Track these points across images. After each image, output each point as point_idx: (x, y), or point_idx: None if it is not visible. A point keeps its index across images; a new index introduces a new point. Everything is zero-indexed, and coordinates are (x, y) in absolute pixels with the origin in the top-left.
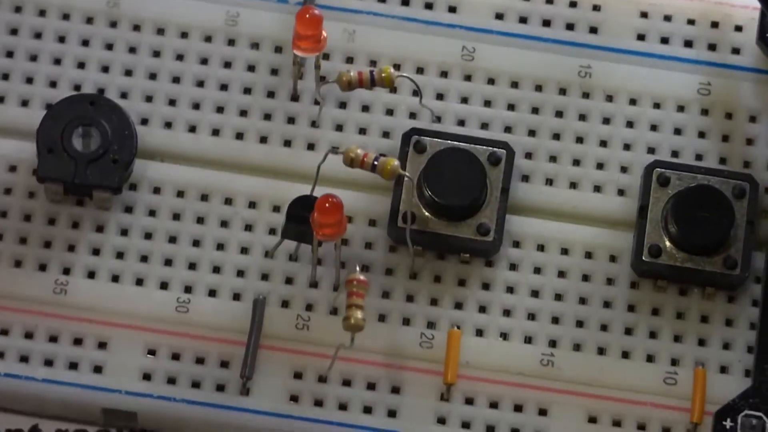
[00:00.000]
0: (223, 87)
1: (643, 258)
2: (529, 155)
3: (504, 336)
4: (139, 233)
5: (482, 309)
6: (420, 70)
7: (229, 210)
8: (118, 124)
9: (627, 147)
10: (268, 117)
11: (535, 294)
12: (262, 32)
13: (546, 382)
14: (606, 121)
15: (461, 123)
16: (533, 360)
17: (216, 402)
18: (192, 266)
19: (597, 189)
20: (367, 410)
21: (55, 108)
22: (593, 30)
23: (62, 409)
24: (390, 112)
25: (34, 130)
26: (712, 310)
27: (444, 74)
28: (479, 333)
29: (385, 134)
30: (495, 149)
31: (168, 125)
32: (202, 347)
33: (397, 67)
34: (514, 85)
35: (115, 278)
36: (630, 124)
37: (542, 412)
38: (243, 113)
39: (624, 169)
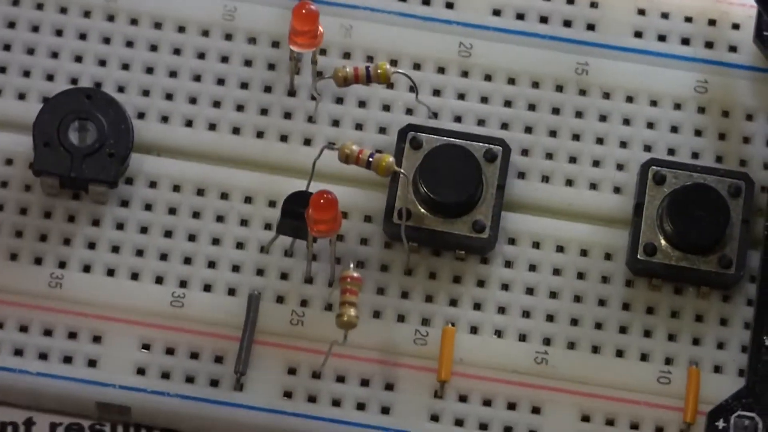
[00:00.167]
0: (220, 81)
1: (638, 256)
2: (525, 152)
3: (498, 333)
4: (134, 227)
5: (477, 306)
6: (417, 66)
7: (225, 205)
8: (115, 118)
9: (623, 144)
10: (264, 112)
11: (529, 291)
12: (259, 27)
13: (540, 380)
14: (603, 118)
15: (458, 119)
16: (527, 358)
17: (210, 397)
18: (187, 261)
19: (593, 186)
20: (361, 407)
21: (52, 102)
22: (590, 27)
23: (56, 402)
24: (387, 107)
25: (30, 124)
26: (707, 310)
27: (441, 70)
28: (474, 330)
29: (382, 130)
30: (491, 146)
31: (165, 119)
32: (197, 342)
33: (393, 62)
34: (511, 81)
35: (111, 272)
36: (627, 122)
37: (536, 410)
38: (240, 108)
39: (620, 167)
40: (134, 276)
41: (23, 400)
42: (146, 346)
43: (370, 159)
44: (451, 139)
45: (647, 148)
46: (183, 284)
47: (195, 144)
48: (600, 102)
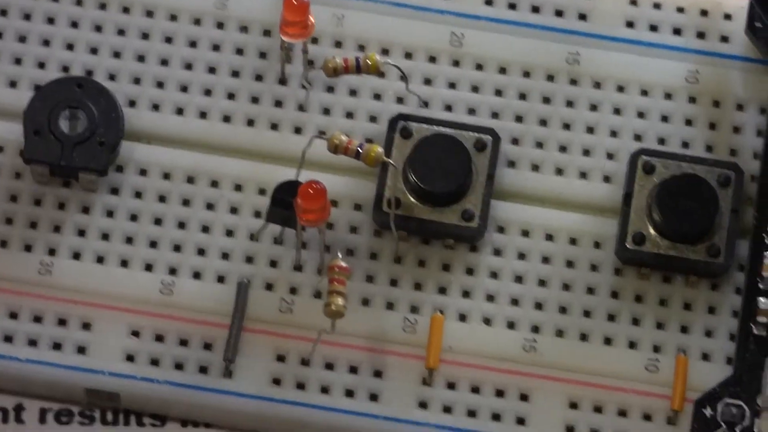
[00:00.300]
0: (212, 70)
1: (627, 245)
2: (515, 141)
3: (487, 321)
4: (124, 215)
5: (466, 294)
6: (408, 56)
7: (215, 193)
8: (105, 107)
9: (614, 134)
10: (255, 100)
11: (518, 280)
12: (251, 16)
13: (528, 368)
14: (593, 108)
15: (448, 108)
16: (516, 345)
17: (199, 384)
18: (177, 248)
19: (583, 176)
20: (350, 394)
21: (42, 90)
22: (582, 17)
23: (46, 389)
24: (377, 97)
25: (21, 112)
26: (695, 298)
27: (432, 60)
28: (462, 318)
29: (373, 119)
30: (481, 135)
31: (156, 108)
32: (186, 329)
33: (385, 52)
34: (502, 71)
35: (100, 260)
36: (617, 112)
37: (524, 398)
38: (231, 96)
39: (610, 156)
40: (124, 263)
41: (13, 386)
42: (135, 333)
43: (359, 149)
44: (442, 128)
45: (637, 138)
46: (172, 272)
47: (186, 132)
48: (591, 92)
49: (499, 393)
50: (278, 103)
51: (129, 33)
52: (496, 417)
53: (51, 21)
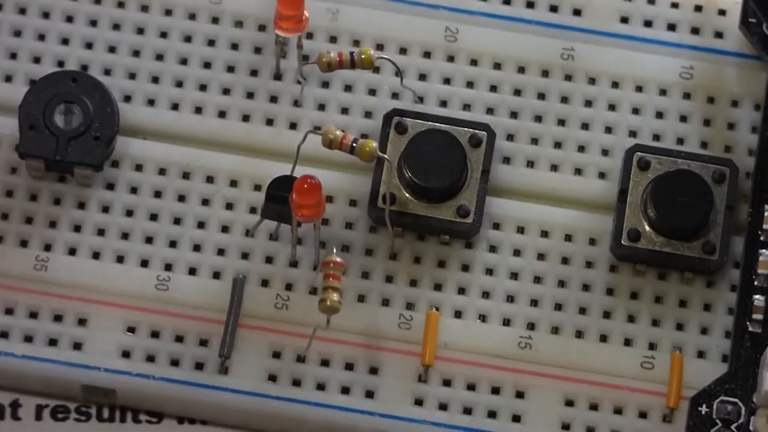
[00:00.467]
0: (207, 65)
1: (622, 242)
2: (510, 137)
3: (482, 318)
4: (120, 210)
5: (461, 291)
6: (403, 51)
7: (210, 188)
8: (100, 101)
9: (608, 130)
10: (250, 96)
11: (514, 276)
12: (246, 11)
13: (523, 365)
14: (588, 103)
15: (443, 104)
16: (511, 342)
17: (194, 380)
18: (172, 244)
19: (578, 172)
20: (345, 391)
21: (37, 85)
22: (577, 12)
23: (42, 385)
24: (372, 92)
25: (16, 106)
26: (691, 295)
27: (427, 55)
28: (458, 315)
29: (367, 114)
30: (476, 131)
31: (151, 102)
32: (182, 325)
33: (380, 47)
34: (497, 66)
35: (96, 255)
36: (612, 107)
37: (519, 395)
38: (226, 91)
39: (605, 153)
40: (119, 259)
41: (9, 382)
42: (131, 329)
43: (354, 144)
44: (436, 123)
45: (632, 134)
46: (168, 267)
47: (181, 127)
48: (585, 87)
49: (495, 390)
50: (273, 99)
51: (124, 28)
52: (491, 414)
53: (46, 15)
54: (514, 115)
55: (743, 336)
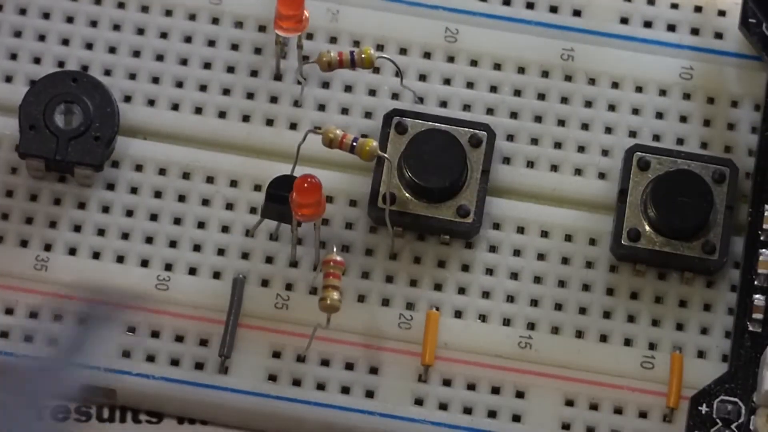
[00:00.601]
0: (207, 65)
1: (622, 242)
2: (510, 137)
3: (482, 318)
4: (120, 210)
5: (461, 291)
6: (403, 51)
7: (210, 188)
8: (100, 101)
9: (608, 130)
10: (250, 96)
11: (514, 276)
12: (246, 11)
13: (523, 365)
14: (588, 104)
15: (443, 104)
16: (511, 342)
17: (194, 380)
18: (172, 244)
19: (578, 172)
20: (345, 390)
21: (38, 85)
22: (576, 13)
23: None
24: (372, 92)
25: (17, 106)
26: (691, 295)
27: (427, 55)
28: (458, 314)
29: (368, 114)
30: (476, 131)
31: (151, 103)
32: (182, 325)
33: (380, 47)
34: (497, 67)
35: (96, 255)
36: (612, 108)
37: (519, 395)
38: (226, 92)
39: (605, 153)
40: (119, 259)
41: None
42: (131, 329)
43: (354, 143)
44: (437, 124)
45: (632, 134)
46: (168, 267)
47: (181, 127)
48: (585, 88)
49: (495, 390)
50: (273, 99)
51: (124, 28)
52: (491, 414)
53: (46, 16)
54: (514, 115)
55: (743, 336)
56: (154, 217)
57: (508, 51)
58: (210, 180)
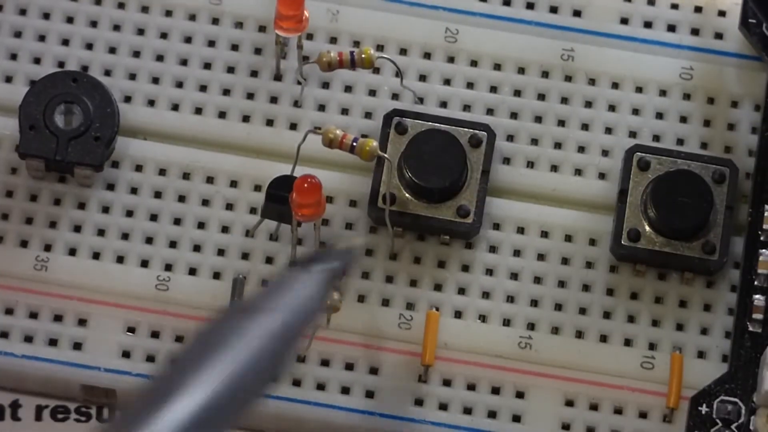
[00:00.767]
0: (207, 66)
1: (622, 242)
2: (510, 137)
3: (482, 318)
4: (120, 211)
5: (461, 291)
6: (403, 51)
7: (210, 188)
8: (100, 102)
9: (608, 130)
10: (250, 96)
11: (514, 276)
12: (246, 11)
13: (524, 365)
14: (588, 104)
15: (443, 104)
16: (511, 342)
17: None
18: (173, 244)
19: (578, 172)
20: (345, 391)
21: (37, 85)
22: (577, 13)
23: (42, 385)
24: (372, 92)
25: (17, 107)
26: (691, 295)
27: (427, 56)
28: (458, 315)
29: (368, 115)
30: (476, 131)
31: (151, 103)
32: (182, 325)
33: (380, 47)
34: (497, 67)
35: (96, 255)
36: (612, 108)
37: (519, 395)
38: (226, 92)
39: (605, 153)
40: (119, 259)
41: (9, 382)
42: (131, 329)
43: (354, 144)
44: (437, 124)
45: (632, 134)
46: (168, 268)
47: (181, 127)
48: (585, 88)
49: (495, 390)
50: (273, 99)
51: (124, 28)
52: (491, 414)
53: (46, 16)
54: (514, 115)
55: (743, 336)
56: (154, 218)
57: (508, 51)
58: (210, 180)
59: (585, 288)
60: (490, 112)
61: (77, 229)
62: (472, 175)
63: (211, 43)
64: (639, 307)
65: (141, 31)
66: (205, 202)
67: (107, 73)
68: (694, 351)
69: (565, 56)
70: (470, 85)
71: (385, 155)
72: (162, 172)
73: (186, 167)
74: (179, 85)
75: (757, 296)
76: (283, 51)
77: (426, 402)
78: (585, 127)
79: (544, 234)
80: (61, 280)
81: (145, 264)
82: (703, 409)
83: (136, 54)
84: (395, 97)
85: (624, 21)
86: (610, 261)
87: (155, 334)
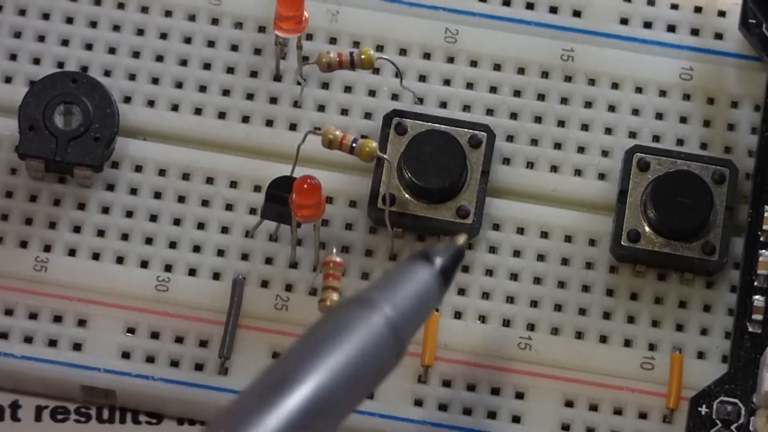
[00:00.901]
0: (206, 66)
1: (622, 242)
2: (510, 138)
3: (482, 319)
4: (120, 211)
5: (461, 291)
6: (403, 52)
7: (210, 189)
8: (100, 102)
9: (608, 131)
10: (250, 96)
11: (513, 277)
12: (246, 12)
13: (523, 366)
14: (588, 104)
15: (443, 105)
16: (511, 343)
17: (194, 381)
18: (172, 245)
19: (578, 173)
20: None
21: (37, 86)
22: (576, 13)
23: (42, 386)
24: (372, 93)
25: (16, 107)
26: (690, 296)
27: (427, 56)
28: (457, 315)
29: (367, 115)
30: (476, 132)
31: (151, 103)
32: (181, 326)
33: (380, 48)
34: (497, 67)
35: (96, 256)
36: (612, 108)
37: (519, 396)
38: (226, 92)
39: (605, 153)
40: (119, 260)
41: (8, 383)
42: (131, 330)
43: (354, 144)
44: (436, 124)
45: (632, 135)
46: (168, 268)
47: (181, 128)
48: (585, 88)
49: (495, 391)
50: (273, 100)
51: (124, 29)
52: (491, 415)
53: (46, 16)
54: (513, 116)
55: (743, 336)
56: (153, 218)
57: (508, 51)
58: (210, 181)
59: (585, 288)
60: (489, 112)
61: (77, 229)
62: (471, 175)
63: (211, 44)
64: (639, 308)
65: (141, 32)
66: (205, 203)
67: (107, 73)
68: (694, 351)
69: (564, 56)
70: (470, 86)
71: (385, 156)
72: (162, 172)
73: (186, 168)
74: (179, 85)
75: (756, 297)
76: (283, 51)
77: (426, 403)
78: (585, 127)
79: (544, 234)
80: (61, 281)
81: (144, 264)
82: (703, 409)
83: (136, 54)
84: (395, 97)
85: (624, 21)
86: (610, 261)
87: (155, 335)
